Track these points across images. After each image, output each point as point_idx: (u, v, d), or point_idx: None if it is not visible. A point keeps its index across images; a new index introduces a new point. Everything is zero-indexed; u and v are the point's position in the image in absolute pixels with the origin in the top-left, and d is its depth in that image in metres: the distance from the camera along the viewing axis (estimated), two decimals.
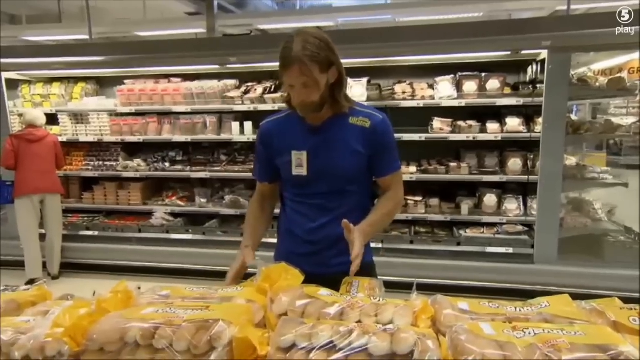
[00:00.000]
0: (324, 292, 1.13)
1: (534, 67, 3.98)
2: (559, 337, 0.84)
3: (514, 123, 3.77)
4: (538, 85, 3.60)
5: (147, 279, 4.12)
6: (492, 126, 3.81)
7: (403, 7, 5.40)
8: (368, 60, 4.01)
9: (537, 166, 3.66)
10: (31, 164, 4.10)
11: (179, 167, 4.52)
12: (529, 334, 0.87)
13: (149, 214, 4.58)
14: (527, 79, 4.10)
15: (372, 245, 1.72)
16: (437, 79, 3.89)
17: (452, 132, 3.86)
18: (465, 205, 3.92)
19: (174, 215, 4.59)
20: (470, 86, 3.80)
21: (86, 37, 4.89)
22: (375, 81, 4.10)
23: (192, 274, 4.07)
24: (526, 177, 3.74)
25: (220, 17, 5.47)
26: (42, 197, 4.19)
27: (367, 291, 1.27)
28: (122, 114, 4.59)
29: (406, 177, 3.68)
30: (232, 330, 0.93)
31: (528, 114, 3.84)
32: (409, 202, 3.96)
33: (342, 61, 1.48)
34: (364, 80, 3.93)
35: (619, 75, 3.65)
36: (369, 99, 3.82)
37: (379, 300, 1.07)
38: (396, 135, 1.63)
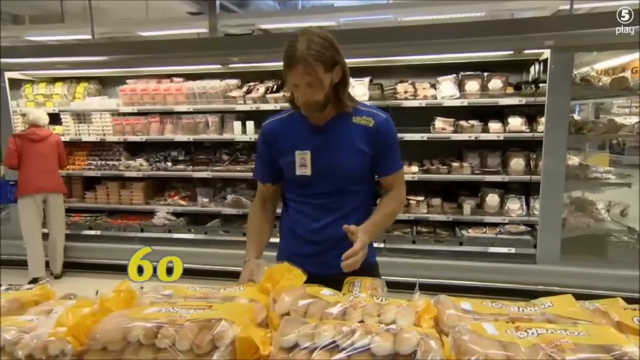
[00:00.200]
0: (326, 292, 1.12)
1: (537, 66, 3.97)
2: (562, 338, 0.84)
3: (516, 123, 3.77)
4: (540, 85, 3.59)
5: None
6: (495, 126, 3.80)
7: (405, 6, 5.39)
8: (370, 60, 4.01)
9: (539, 166, 3.65)
10: (34, 163, 4.11)
11: (181, 166, 4.53)
12: (532, 334, 0.87)
13: (151, 214, 4.59)
14: (530, 78, 4.08)
15: (375, 245, 1.72)
16: (439, 78, 3.89)
17: (454, 131, 3.85)
18: (468, 205, 3.91)
19: (176, 214, 4.60)
20: (472, 86, 3.79)
21: (89, 37, 4.91)
22: (377, 81, 4.09)
23: (194, 273, 4.07)
24: (529, 176, 3.73)
25: (222, 16, 5.48)
26: (44, 196, 4.20)
27: (369, 291, 1.26)
28: (124, 114, 4.59)
29: (408, 177, 3.67)
30: (235, 329, 0.93)
31: (530, 113, 3.83)
32: (411, 202, 3.95)
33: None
34: (366, 80, 3.93)
35: (621, 74, 3.63)
36: (371, 98, 3.82)
37: (382, 300, 1.07)
38: (398, 135, 1.63)
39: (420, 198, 3.99)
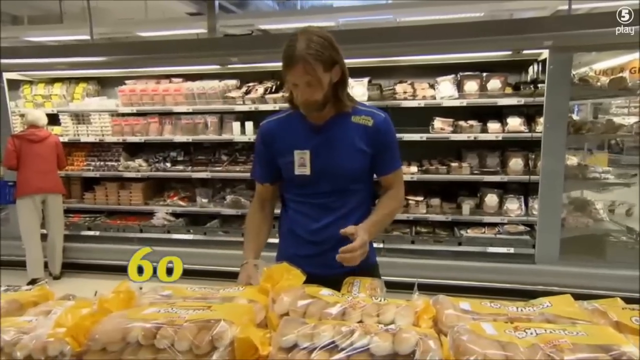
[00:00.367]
0: (325, 292, 1.13)
1: (535, 66, 3.97)
2: (561, 337, 0.84)
3: (515, 123, 3.77)
4: (539, 85, 3.59)
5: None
6: (493, 126, 3.80)
7: (404, 7, 5.39)
8: (369, 60, 4.01)
9: (538, 166, 3.65)
10: (33, 164, 4.11)
11: (180, 167, 4.52)
12: (531, 334, 0.87)
13: (150, 214, 4.59)
14: (529, 78, 4.09)
15: (374, 245, 1.72)
16: (438, 78, 3.89)
17: (453, 132, 3.86)
18: (467, 205, 3.92)
19: (175, 215, 4.60)
20: (471, 86, 3.80)
21: (87, 37, 4.89)
22: (376, 81, 4.10)
23: (193, 274, 4.07)
24: (527, 177, 3.74)
25: (222, 17, 5.47)
26: (43, 197, 4.19)
27: (368, 291, 1.27)
28: (123, 114, 4.59)
29: (407, 177, 3.68)
30: (234, 330, 0.93)
31: (529, 113, 3.84)
32: (410, 202, 3.96)
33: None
34: (365, 80, 3.93)
35: (620, 75, 3.63)
36: (370, 98, 3.82)
37: (381, 301, 1.07)
38: (397, 135, 1.63)
39: (419, 198, 3.99)
